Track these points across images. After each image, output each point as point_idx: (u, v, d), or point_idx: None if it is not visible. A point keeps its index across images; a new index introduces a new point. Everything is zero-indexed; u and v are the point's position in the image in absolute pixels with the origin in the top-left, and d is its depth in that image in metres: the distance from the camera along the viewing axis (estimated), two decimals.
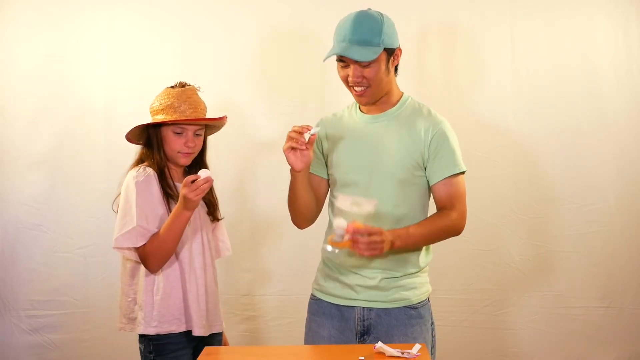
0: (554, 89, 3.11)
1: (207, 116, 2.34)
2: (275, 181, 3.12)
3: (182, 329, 2.25)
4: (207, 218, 2.37)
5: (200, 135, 2.32)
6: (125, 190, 2.23)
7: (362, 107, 2.24)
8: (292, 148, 2.08)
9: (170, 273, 2.24)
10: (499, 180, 3.11)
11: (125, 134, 2.31)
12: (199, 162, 2.35)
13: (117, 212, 2.28)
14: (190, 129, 2.28)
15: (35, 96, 3.09)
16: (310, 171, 2.22)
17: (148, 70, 3.04)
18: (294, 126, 2.09)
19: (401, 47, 2.18)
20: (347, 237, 1.98)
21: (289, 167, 2.16)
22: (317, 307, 2.28)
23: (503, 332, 3.16)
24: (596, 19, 3.10)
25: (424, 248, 2.24)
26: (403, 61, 2.21)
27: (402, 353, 1.90)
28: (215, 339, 2.35)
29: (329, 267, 2.25)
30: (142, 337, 2.26)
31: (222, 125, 2.42)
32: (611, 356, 3.14)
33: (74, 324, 3.14)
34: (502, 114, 3.12)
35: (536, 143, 3.12)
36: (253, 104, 3.14)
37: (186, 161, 2.30)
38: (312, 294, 2.34)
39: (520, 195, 3.13)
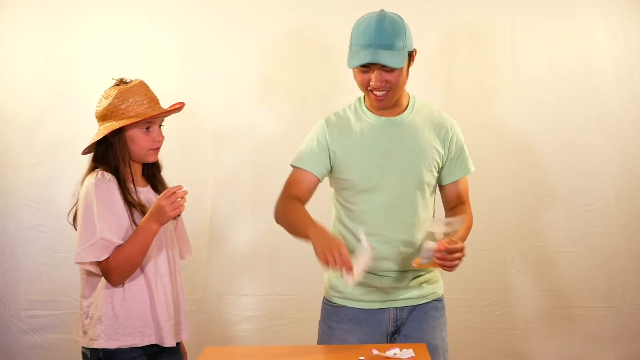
0: (554, 89, 3.11)
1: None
2: (275, 180, 3.09)
3: (146, 342, 2.11)
4: None
5: (162, 126, 2.20)
6: (85, 199, 2.06)
7: (371, 108, 2.21)
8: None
9: (133, 284, 2.10)
10: (499, 180, 3.11)
11: (85, 148, 2.16)
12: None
13: (72, 224, 2.15)
14: (157, 123, 2.17)
15: (35, 96, 3.09)
16: (305, 168, 2.20)
17: (148, 71, 3.03)
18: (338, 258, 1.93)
19: (410, 37, 2.15)
20: (433, 257, 2.04)
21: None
22: (343, 314, 2.24)
23: (503, 332, 3.16)
24: (596, 19, 3.10)
25: None
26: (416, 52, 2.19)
27: (401, 350, 1.91)
28: (171, 351, 2.18)
29: None
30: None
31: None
32: (611, 356, 3.14)
33: (74, 324, 3.12)
34: (502, 114, 3.12)
35: (536, 143, 3.12)
36: (253, 103, 3.13)
37: (155, 157, 2.18)
38: (329, 301, 2.28)
39: (520, 195, 3.13)
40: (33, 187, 3.10)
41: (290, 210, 2.17)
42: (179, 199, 2.04)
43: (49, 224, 3.09)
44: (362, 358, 1.89)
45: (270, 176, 3.11)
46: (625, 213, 3.12)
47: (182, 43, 3.12)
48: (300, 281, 3.13)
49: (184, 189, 2.05)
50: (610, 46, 3.10)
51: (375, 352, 1.93)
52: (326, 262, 1.93)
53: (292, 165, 2.27)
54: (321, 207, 2.31)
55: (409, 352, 1.91)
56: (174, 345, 2.16)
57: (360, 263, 1.96)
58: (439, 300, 2.29)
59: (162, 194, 2.05)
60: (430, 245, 2.03)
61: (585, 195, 3.12)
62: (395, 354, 1.90)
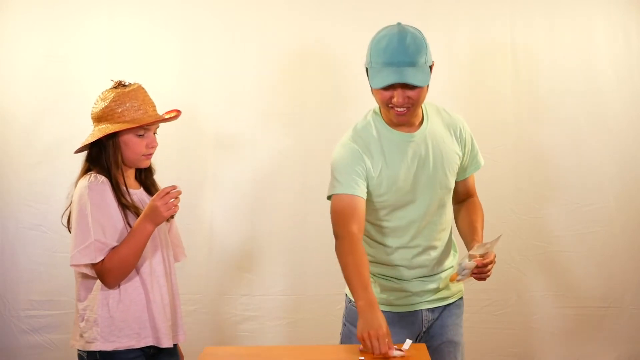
0: (554, 89, 3.11)
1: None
2: (275, 180, 3.12)
3: (143, 344, 2.10)
4: None
5: (156, 133, 2.20)
6: (78, 202, 2.05)
7: (390, 124, 2.15)
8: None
9: (128, 285, 2.10)
10: (499, 180, 3.11)
11: (78, 148, 2.16)
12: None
13: (67, 226, 2.14)
14: (152, 129, 2.16)
15: (35, 96, 3.09)
16: (355, 194, 2.08)
17: (148, 71, 3.04)
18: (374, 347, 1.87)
19: (430, 51, 2.14)
20: (469, 273, 2.11)
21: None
22: None
23: (503, 332, 3.16)
24: (596, 19, 3.10)
25: (452, 247, 2.33)
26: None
27: (399, 348, 1.92)
28: (168, 352, 2.19)
29: (386, 279, 2.22)
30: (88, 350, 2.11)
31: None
32: (611, 356, 3.14)
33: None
34: (502, 114, 3.12)
35: (536, 143, 3.12)
36: (253, 104, 3.13)
37: (148, 163, 2.18)
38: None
39: (520, 195, 3.13)
40: (33, 187, 3.10)
41: (353, 259, 2.02)
42: (173, 199, 2.04)
43: (49, 224, 3.09)
44: (362, 358, 1.90)
45: (271, 176, 3.12)
46: (625, 213, 3.12)
47: (182, 43, 3.11)
48: (300, 281, 3.13)
49: (177, 189, 2.04)
50: (610, 46, 3.10)
51: None
52: (362, 342, 1.89)
53: (336, 194, 2.11)
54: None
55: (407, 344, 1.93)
56: (172, 346, 2.15)
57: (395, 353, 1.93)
58: (461, 298, 2.33)
59: (156, 195, 2.05)
60: (470, 264, 2.09)
61: (585, 195, 3.12)
62: (400, 349, 1.91)
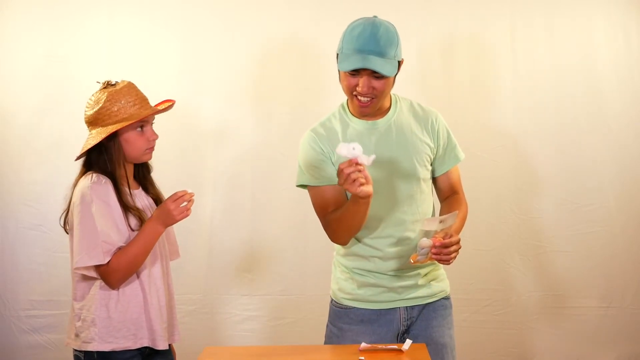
0: (554, 89, 3.11)
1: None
2: (275, 180, 3.12)
3: (139, 345, 2.10)
4: None
5: (153, 123, 2.17)
6: (81, 203, 2.03)
7: (355, 113, 2.20)
8: (356, 181, 1.91)
9: (127, 287, 2.09)
10: (499, 180, 3.11)
11: (81, 152, 2.12)
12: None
13: (64, 227, 2.13)
14: (150, 122, 2.14)
15: (35, 96, 3.09)
16: (326, 184, 2.16)
17: (148, 71, 3.04)
18: (345, 167, 1.89)
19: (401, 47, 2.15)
20: (429, 253, 2.05)
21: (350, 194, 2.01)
22: (353, 316, 2.23)
23: (503, 332, 3.16)
24: (596, 19, 3.11)
25: None
26: (404, 61, 2.20)
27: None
28: (163, 353, 2.18)
29: (362, 275, 2.22)
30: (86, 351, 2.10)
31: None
32: (611, 356, 3.14)
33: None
34: (502, 114, 3.12)
35: (536, 143, 3.12)
36: (253, 103, 3.13)
37: (151, 156, 2.16)
38: (338, 303, 2.26)
39: (520, 195, 3.13)
40: (33, 187, 3.10)
41: (336, 215, 2.11)
42: (186, 203, 2.04)
43: (49, 224, 3.09)
44: (362, 358, 1.90)
45: (270, 176, 3.12)
46: (625, 213, 3.12)
47: (182, 43, 3.12)
48: (300, 281, 3.13)
49: (190, 192, 2.05)
50: (610, 46, 3.11)
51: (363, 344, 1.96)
52: (346, 176, 1.89)
53: (306, 186, 2.21)
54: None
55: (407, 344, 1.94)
56: (167, 348, 2.16)
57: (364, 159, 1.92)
58: (447, 298, 2.29)
59: (169, 197, 2.05)
60: (426, 242, 2.04)
61: (585, 195, 3.12)
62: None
